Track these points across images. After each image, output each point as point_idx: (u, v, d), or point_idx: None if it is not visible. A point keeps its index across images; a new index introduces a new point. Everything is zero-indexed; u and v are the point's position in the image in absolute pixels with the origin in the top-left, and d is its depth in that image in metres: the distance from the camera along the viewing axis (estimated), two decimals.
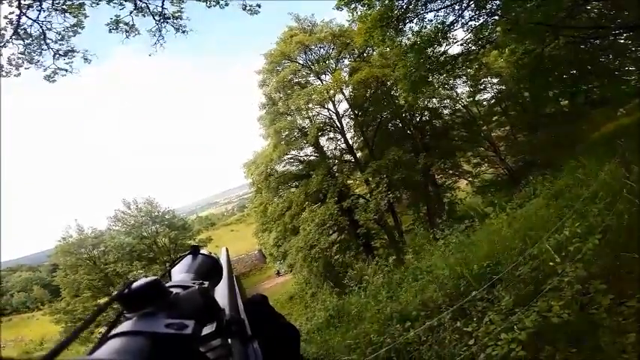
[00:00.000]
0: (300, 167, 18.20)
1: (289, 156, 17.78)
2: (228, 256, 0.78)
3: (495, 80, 16.77)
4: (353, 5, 8.83)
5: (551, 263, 3.51)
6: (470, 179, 17.38)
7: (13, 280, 41.05)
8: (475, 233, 7.24)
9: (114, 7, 5.51)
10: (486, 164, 17.14)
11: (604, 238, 3.51)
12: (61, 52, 5.68)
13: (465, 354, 3.28)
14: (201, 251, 0.64)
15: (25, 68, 5.57)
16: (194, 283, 0.48)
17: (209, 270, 0.60)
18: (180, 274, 0.57)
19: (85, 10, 5.42)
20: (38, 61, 5.63)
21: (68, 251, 21.67)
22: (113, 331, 0.36)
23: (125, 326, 0.37)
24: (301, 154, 18.17)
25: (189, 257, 0.62)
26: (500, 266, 4.55)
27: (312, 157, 18.22)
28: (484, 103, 17.85)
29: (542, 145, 14.98)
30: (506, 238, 5.41)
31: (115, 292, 0.42)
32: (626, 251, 3.10)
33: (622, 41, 10.10)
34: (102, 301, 20.58)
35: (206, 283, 0.49)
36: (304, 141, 16.93)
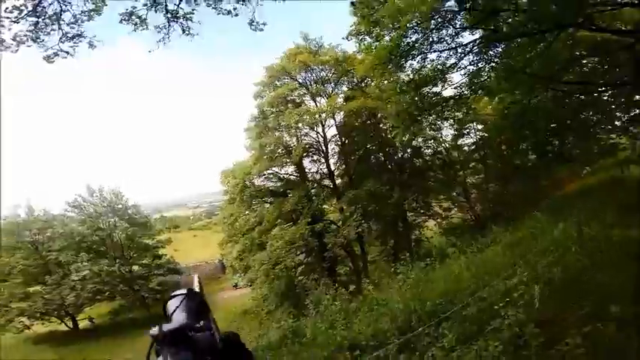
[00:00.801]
0: (279, 184, 18.05)
1: (269, 171, 17.67)
2: (201, 286, 0.88)
3: (480, 127, 17.23)
4: (361, 37, 9.14)
5: (496, 307, 3.59)
6: (439, 220, 17.80)
7: None
8: (434, 271, 7.35)
9: None
10: (456, 209, 17.66)
11: (547, 287, 3.66)
12: (69, 35, 5.52)
13: None
14: (195, 290, 0.78)
15: (27, 46, 5.42)
16: (199, 326, 0.62)
17: (201, 310, 0.73)
18: (181, 313, 0.70)
19: None
20: (43, 40, 5.44)
21: (10, 231, 19.95)
22: None
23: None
24: (281, 172, 18.04)
25: (185, 297, 0.74)
26: (452, 305, 4.61)
27: (292, 177, 18.16)
28: (465, 148, 18.53)
29: (509, 198, 15.70)
30: (461, 279, 5.53)
31: (153, 331, 0.54)
32: (564, 300, 3.24)
33: (605, 98, 10.57)
34: (32, 289, 19.19)
35: (211, 331, 0.62)
36: (287, 159, 16.96)
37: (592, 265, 3.88)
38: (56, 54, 5.62)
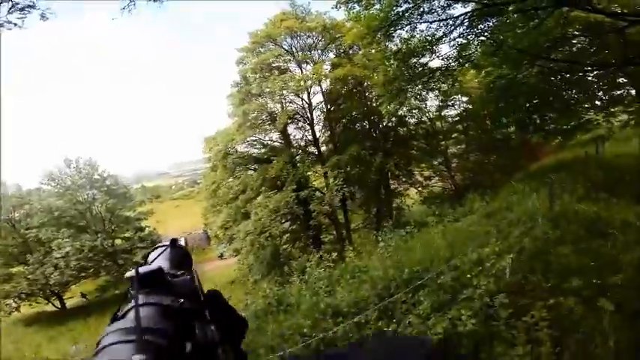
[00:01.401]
0: (262, 151, 17.87)
1: (252, 138, 17.40)
2: (187, 246, 0.86)
3: (465, 99, 17.54)
4: (350, 5, 8.73)
5: (469, 275, 3.80)
6: (420, 189, 18.31)
7: None
8: (413, 239, 7.64)
9: None
10: (437, 177, 18.15)
11: (518, 258, 3.87)
12: (19, 6, 5.18)
13: None
14: (179, 243, 0.76)
15: None
16: (178, 273, 0.60)
17: (183, 261, 0.71)
18: (162, 261, 0.68)
19: None
20: None
21: None
22: (148, 299, 0.48)
23: (140, 300, 0.47)
24: (265, 139, 17.88)
25: (167, 248, 0.73)
26: (428, 273, 4.86)
27: (276, 143, 17.98)
28: (449, 119, 18.81)
29: (489, 167, 16.20)
30: (438, 247, 5.76)
31: (128, 274, 0.51)
32: (532, 272, 3.45)
33: (590, 78, 10.75)
34: (15, 270, 18.57)
35: (188, 276, 0.60)
36: (272, 126, 16.71)
37: (558, 238, 4.10)
38: (1, 25, 5.26)
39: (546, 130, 11.63)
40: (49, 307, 19.89)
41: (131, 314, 0.46)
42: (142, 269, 0.52)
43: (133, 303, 0.47)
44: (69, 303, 20.49)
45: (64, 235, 19.01)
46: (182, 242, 0.81)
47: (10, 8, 5.13)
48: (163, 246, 0.74)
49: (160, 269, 0.54)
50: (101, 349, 0.39)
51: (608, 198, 5.70)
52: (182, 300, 0.50)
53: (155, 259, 0.70)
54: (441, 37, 9.20)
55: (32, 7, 5.27)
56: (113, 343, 0.39)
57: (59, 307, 19.98)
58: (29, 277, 18.01)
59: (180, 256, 0.73)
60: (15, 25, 5.29)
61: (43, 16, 5.47)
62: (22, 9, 5.21)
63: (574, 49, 10.21)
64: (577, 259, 3.34)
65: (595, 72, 10.24)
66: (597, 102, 11.41)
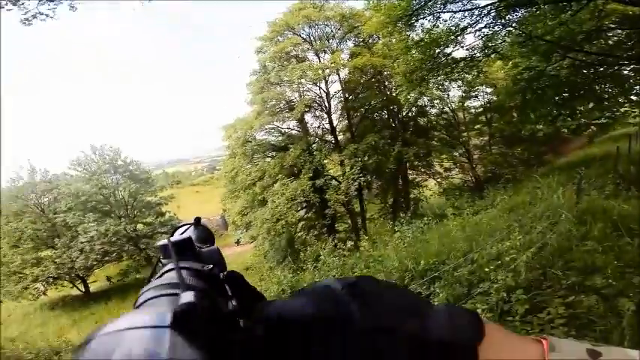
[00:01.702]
0: (280, 139, 17.99)
1: (271, 126, 17.54)
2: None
3: (489, 90, 17.04)
4: None
5: (486, 269, 3.74)
6: (439, 180, 17.95)
7: None
8: (430, 231, 7.55)
9: None
10: (457, 169, 17.72)
11: (539, 254, 3.76)
12: None
13: None
14: (202, 222, 0.76)
15: (8, 9, 5.22)
16: (204, 247, 0.61)
17: (207, 239, 0.73)
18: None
19: None
20: (22, 3, 5.32)
21: (16, 196, 19.55)
22: (165, 268, 0.49)
23: (171, 265, 0.48)
24: (283, 126, 17.98)
25: (191, 227, 0.74)
26: (444, 265, 4.81)
27: (293, 131, 18.05)
28: (472, 110, 18.21)
29: (512, 161, 15.64)
30: (456, 240, 5.68)
31: (160, 242, 0.52)
32: (553, 268, 3.36)
33: (626, 72, 10.20)
34: (43, 253, 18.95)
35: (215, 247, 0.62)
36: (289, 114, 16.78)
37: (583, 235, 3.95)
38: (34, 16, 5.52)
39: (578, 123, 11.06)
40: (74, 291, 20.56)
41: (167, 275, 0.46)
42: (172, 238, 0.54)
43: (168, 267, 0.49)
44: (92, 287, 21.14)
45: (90, 220, 19.51)
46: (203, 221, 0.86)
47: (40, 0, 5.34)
48: (188, 224, 0.75)
49: (189, 238, 0.55)
50: (142, 302, 0.39)
51: (638, 196, 5.41)
52: (212, 266, 0.51)
53: (182, 234, 0.72)
54: (465, 28, 8.93)
55: None
56: (155, 297, 0.39)
57: (83, 290, 20.61)
58: (56, 260, 18.51)
59: (205, 233, 0.74)
60: (47, 16, 5.51)
61: (72, 7, 5.67)
62: (51, 0, 5.40)
63: (610, 42, 9.63)
64: (600, 258, 3.21)
65: (632, 66, 9.63)
66: (633, 97, 10.73)
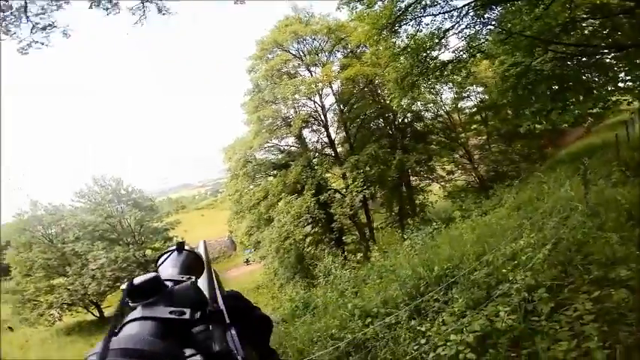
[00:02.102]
0: (280, 157, 18.10)
1: (270, 144, 17.69)
2: (206, 249, 0.83)
3: (480, 89, 17.28)
4: (352, 4, 8.81)
5: (503, 270, 3.66)
6: (442, 184, 17.90)
7: None
8: (440, 236, 7.46)
9: None
10: (460, 171, 17.71)
11: (555, 250, 3.70)
12: (40, 26, 5.50)
13: (416, 352, 3.38)
14: (185, 247, 0.71)
15: (2, 40, 5.37)
16: (183, 278, 0.57)
17: (193, 265, 0.67)
18: (168, 268, 0.64)
19: None
20: (15, 33, 5.44)
21: (22, 228, 20.30)
22: (128, 318, 0.45)
23: (136, 313, 0.45)
24: (282, 144, 18.15)
25: (175, 252, 0.68)
26: (459, 270, 4.72)
27: (293, 148, 18.17)
28: (466, 110, 18.37)
29: (513, 158, 15.63)
30: (467, 243, 5.60)
31: (124, 286, 0.48)
32: (572, 264, 3.29)
33: (608, 60, 10.39)
34: (56, 281, 19.59)
35: (193, 278, 0.56)
36: (287, 131, 16.92)
37: (598, 227, 3.89)
38: (29, 45, 5.62)
39: (572, 114, 11.19)
40: (89, 317, 20.93)
41: (126, 330, 0.43)
42: (136, 279, 0.49)
43: (129, 317, 0.45)
44: (107, 312, 21.44)
45: (99, 248, 20.01)
46: (201, 247, 0.77)
47: (32, 28, 5.44)
48: (170, 251, 0.69)
49: (155, 278, 0.50)
50: None
51: None
52: (186, 311, 0.46)
53: (159, 266, 0.67)
54: (447, 30, 9.17)
55: (52, 25, 5.55)
56: None
57: (98, 315, 21.03)
58: (69, 287, 19.02)
59: (190, 259, 0.68)
60: (42, 44, 5.63)
61: (65, 34, 5.77)
62: (43, 28, 5.51)
63: (586, 32, 9.86)
64: (620, 249, 3.14)
65: (612, 54, 9.82)
66: (620, 84, 10.90)
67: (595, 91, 10.82)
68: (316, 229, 16.46)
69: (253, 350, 0.62)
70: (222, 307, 0.58)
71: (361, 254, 10.93)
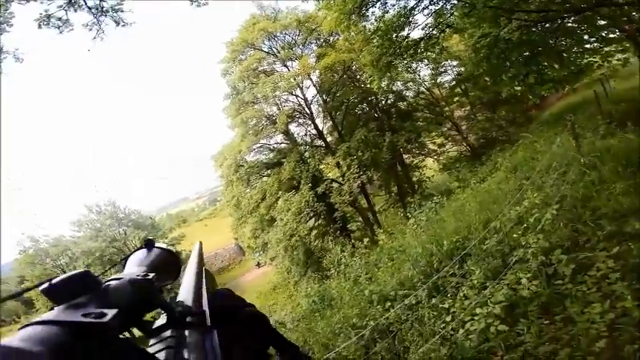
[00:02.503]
0: (271, 156, 17.99)
1: (258, 145, 17.55)
2: (200, 250, 0.84)
3: (455, 63, 17.43)
4: None
5: (514, 235, 3.69)
6: (436, 157, 18.07)
7: None
8: (443, 210, 7.52)
9: (42, 2, 5.06)
10: (450, 143, 17.88)
11: (561, 208, 3.74)
12: None
13: (445, 331, 3.39)
14: (157, 244, 0.66)
15: None
16: (138, 276, 0.49)
17: (163, 263, 0.62)
18: (133, 267, 0.59)
19: (8, 7, 4.97)
20: None
21: (31, 262, 20.38)
22: (29, 321, 0.38)
23: (44, 316, 0.38)
24: (271, 143, 18.01)
25: (144, 251, 0.63)
26: (468, 241, 4.75)
27: (282, 145, 18.07)
28: (445, 85, 18.50)
29: (500, 123, 15.83)
30: (471, 212, 5.64)
31: (43, 286, 0.42)
32: (581, 220, 3.33)
33: (569, 24, 10.68)
34: None
35: (151, 275, 0.50)
36: (273, 129, 16.75)
37: (599, 179, 3.94)
38: None
39: (549, 80, 11.56)
40: None
41: (25, 331, 0.36)
42: (57, 278, 0.43)
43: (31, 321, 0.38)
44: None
45: (112, 272, 20.22)
46: (195, 249, 0.74)
47: None
48: (138, 248, 0.65)
49: (81, 275, 0.44)
50: None
51: (635, 130, 5.45)
52: (109, 313, 0.39)
53: (126, 263, 0.62)
54: (413, 8, 9.36)
55: (0, 50, 5.32)
56: None
57: None
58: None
59: (160, 258, 0.63)
60: None
61: (17, 58, 5.54)
62: None
63: None
64: (625, 200, 3.18)
65: (572, 18, 10.06)
66: (587, 45, 11.19)
67: (565, 54, 11.11)
68: (319, 222, 16.52)
69: (246, 350, 0.60)
70: (206, 308, 0.55)
71: (368, 239, 11.01)
